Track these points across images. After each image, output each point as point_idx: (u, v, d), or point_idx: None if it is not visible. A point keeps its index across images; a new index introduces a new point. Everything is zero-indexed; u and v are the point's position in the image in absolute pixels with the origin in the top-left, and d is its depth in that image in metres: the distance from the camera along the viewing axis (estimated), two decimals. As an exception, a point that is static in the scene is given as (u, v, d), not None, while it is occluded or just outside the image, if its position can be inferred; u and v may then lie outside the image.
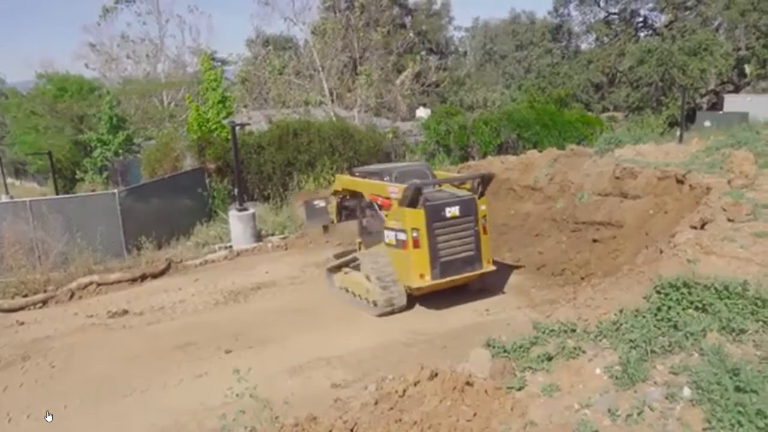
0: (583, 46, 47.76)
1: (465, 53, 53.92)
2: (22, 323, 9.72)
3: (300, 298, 10.04)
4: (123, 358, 7.89)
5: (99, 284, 11.25)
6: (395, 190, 8.82)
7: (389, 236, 8.88)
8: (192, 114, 19.00)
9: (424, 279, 8.42)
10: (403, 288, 8.67)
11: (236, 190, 15.30)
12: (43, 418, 6.27)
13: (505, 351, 4.72)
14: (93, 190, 21.19)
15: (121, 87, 31.70)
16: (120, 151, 25.58)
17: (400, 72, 31.82)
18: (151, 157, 18.92)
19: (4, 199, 18.48)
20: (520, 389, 4.21)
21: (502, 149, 20.52)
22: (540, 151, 14.36)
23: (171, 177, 16.57)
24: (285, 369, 6.92)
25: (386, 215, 9.09)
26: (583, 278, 9.13)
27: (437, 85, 33.28)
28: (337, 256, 11.43)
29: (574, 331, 4.77)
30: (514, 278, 9.94)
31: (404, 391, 4.25)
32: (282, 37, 38.36)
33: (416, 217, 8.38)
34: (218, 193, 16.92)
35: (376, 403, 4.13)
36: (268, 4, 27.54)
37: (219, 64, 29.63)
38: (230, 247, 13.77)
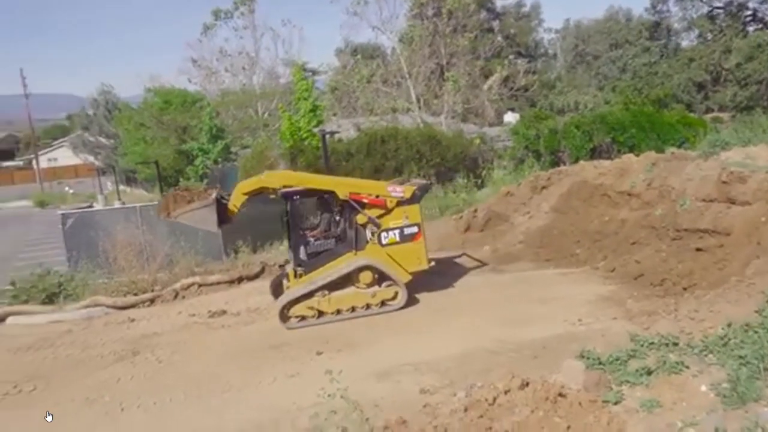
0: (684, 44, 45.17)
1: (555, 55, 52.50)
2: (133, 320, 10.49)
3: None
4: (222, 355, 8.32)
5: (200, 285, 11.93)
6: (399, 190, 9.50)
7: (389, 236, 9.48)
8: (285, 123, 19.79)
9: (422, 263, 9.61)
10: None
11: (326, 197, 15.68)
12: (43, 419, 6.56)
13: (600, 363, 4.56)
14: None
15: (220, 99, 33.50)
16: (219, 159, 27.03)
17: (487, 77, 31.42)
18: (247, 165, 19.88)
19: (117, 205, 20.02)
20: (616, 403, 4.05)
21: (594, 154, 19.73)
22: (637, 155, 13.68)
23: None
24: (373, 372, 7.02)
25: (379, 217, 9.43)
26: (685, 289, 8.60)
27: (526, 89, 32.53)
28: (275, 287, 10.25)
29: (676, 344, 4.53)
30: (607, 288, 9.54)
31: (494, 399, 4.21)
32: (370, 46, 39.07)
33: (419, 211, 9.70)
34: (309, 199, 17.44)
35: (465, 410, 4.12)
36: (357, 14, 28.12)
37: (310, 74, 30.64)
38: (320, 251, 14.14)
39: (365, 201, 9.44)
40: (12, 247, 22.19)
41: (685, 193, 10.69)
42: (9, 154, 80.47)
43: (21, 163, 72.84)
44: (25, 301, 11.44)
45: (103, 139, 47.87)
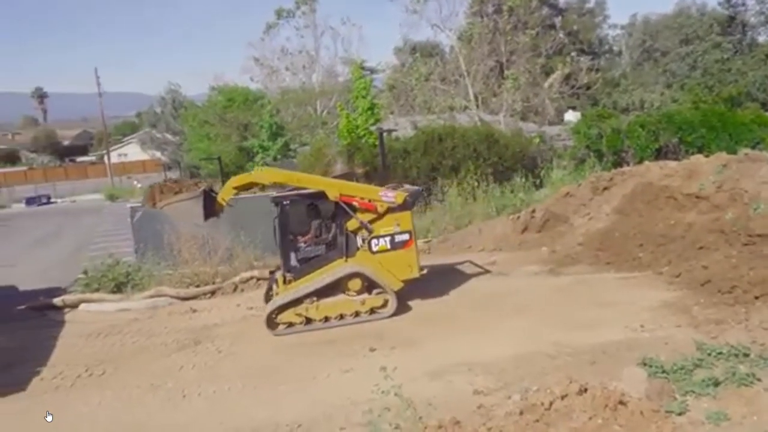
0: (761, 39, 42.75)
1: (620, 52, 50.78)
2: (195, 311, 10.87)
3: (442, 301, 10.08)
4: (278, 348, 8.51)
5: (258, 279, 12.22)
6: (391, 195, 9.23)
7: (379, 243, 9.29)
8: (343, 121, 20.01)
9: (414, 272, 9.39)
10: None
11: (382, 194, 15.75)
12: (44, 418, 6.59)
13: (663, 371, 4.41)
14: (254, 193, 23.05)
15: (280, 97, 34.21)
16: (278, 156, 27.62)
17: (548, 74, 30.80)
18: (305, 162, 20.23)
19: (182, 199, 20.74)
20: (680, 414, 3.91)
21: (660, 154, 19.01)
22: (706, 156, 13.09)
23: (323, 181, 17.54)
24: (427, 371, 7.01)
25: (371, 222, 9.26)
26: (757, 297, 8.15)
27: (588, 88, 31.67)
28: (267, 294, 10.10)
29: (747, 355, 4.33)
30: (671, 293, 9.17)
31: (551, 404, 4.13)
32: (428, 44, 38.95)
33: (411, 219, 9.49)
34: (365, 196, 17.58)
35: (521, 413, 4.06)
36: (416, 13, 28.12)
37: (368, 73, 30.84)
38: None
39: (355, 204, 9.27)
40: (85, 237, 23.42)
41: (759, 196, 10.14)
42: (83, 150, 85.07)
43: (94, 158, 76.75)
44: (96, 290, 12.03)
45: (169, 136, 49.71)
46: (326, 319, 9.15)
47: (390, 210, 9.29)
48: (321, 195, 9.33)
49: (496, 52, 27.70)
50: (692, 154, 15.51)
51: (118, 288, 12.07)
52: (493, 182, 17.20)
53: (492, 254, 12.67)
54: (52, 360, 8.88)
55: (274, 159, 27.56)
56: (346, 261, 9.28)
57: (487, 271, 11.50)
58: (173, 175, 45.03)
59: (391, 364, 6.82)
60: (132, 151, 67.42)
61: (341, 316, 9.19)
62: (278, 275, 9.73)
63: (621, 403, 3.96)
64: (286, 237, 9.46)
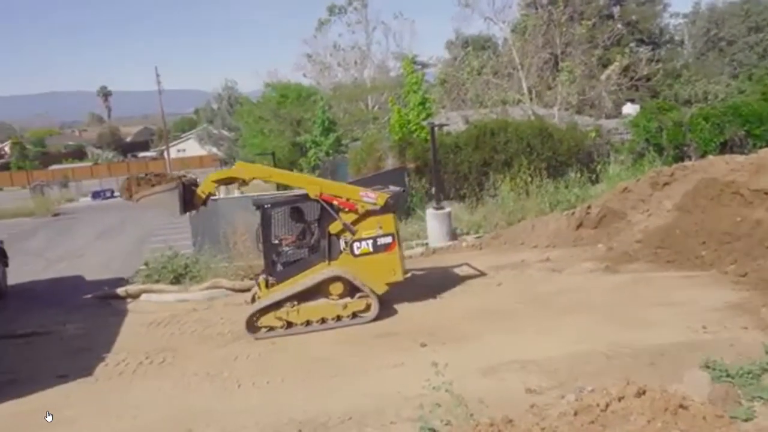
0: (839, 25, 40.15)
1: (682, 42, 48.70)
2: (249, 303, 11.11)
3: (493, 298, 10.00)
4: (330, 341, 8.63)
5: (311, 273, 12.39)
6: (372, 196, 9.14)
7: (362, 246, 9.23)
8: (394, 116, 20.01)
9: (397, 275, 9.42)
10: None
11: (434, 189, 15.71)
12: (44, 418, 6.59)
13: (728, 375, 4.22)
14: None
15: (332, 93, 34.52)
16: (330, 151, 27.89)
17: (605, 66, 29.83)
18: (356, 158, 20.34)
19: (237, 194, 21.27)
20: (747, 420, 3.73)
21: (725, 148, 18.16)
22: (776, 150, 12.43)
23: (374, 176, 17.59)
24: (478, 368, 6.96)
25: (355, 225, 9.21)
26: (831, 300, 7.72)
27: (648, 79, 30.51)
28: (253, 299, 10.00)
29: (820, 361, 4.09)
30: (737, 294, 8.76)
31: (607, 405, 4.01)
32: (481, 37, 38.44)
33: (394, 221, 9.47)
34: (416, 191, 17.58)
35: (575, 414, 3.97)
36: (468, 6, 27.77)
37: (420, 67, 30.75)
38: (426, 244, 14.21)
39: (336, 203, 9.26)
40: (147, 230, 24.33)
41: (835, 192, 9.57)
42: (144, 146, 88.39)
43: (154, 153, 79.60)
44: (157, 281, 12.48)
45: (225, 132, 50.97)
46: (308, 323, 9.12)
47: (372, 212, 9.25)
48: (305, 198, 9.44)
49: (550, 44, 27.06)
50: (760, 147, 14.74)
51: (177, 279, 12.48)
52: (547, 177, 16.83)
53: (545, 251, 12.43)
54: (116, 347, 9.30)
55: (326, 154, 27.85)
56: (328, 264, 9.28)
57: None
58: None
59: (443, 360, 6.77)
60: (190, 147, 69.53)
61: (323, 320, 9.16)
62: (261, 279, 9.69)
63: (682, 407, 3.81)
64: (268, 240, 9.53)
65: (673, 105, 25.25)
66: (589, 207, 13.35)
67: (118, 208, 31.16)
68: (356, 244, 9.26)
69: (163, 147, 67.46)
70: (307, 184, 9.66)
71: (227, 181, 9.94)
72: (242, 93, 49.64)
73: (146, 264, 13.25)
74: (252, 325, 9.09)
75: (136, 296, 12.09)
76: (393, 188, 10.34)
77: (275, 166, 27.68)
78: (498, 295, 10.13)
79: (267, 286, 9.36)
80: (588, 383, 5.71)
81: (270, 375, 7.54)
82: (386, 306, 10.12)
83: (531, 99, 25.71)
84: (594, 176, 18.48)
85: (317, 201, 9.30)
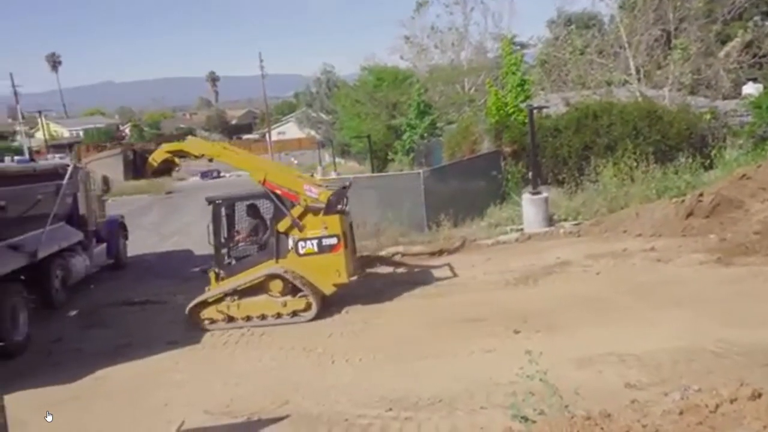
0: None
1: (820, 13, 43.81)
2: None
3: (591, 287, 9.62)
4: (422, 323, 8.69)
5: (403, 254, 12.54)
6: (315, 191, 9.00)
7: (306, 246, 9.13)
8: (491, 98, 19.58)
9: (342, 277, 9.31)
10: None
11: (530, 174, 15.28)
12: (44, 418, 6.39)
13: None
14: (401, 170, 23.55)
15: (429, 75, 34.28)
16: (425, 134, 27.79)
17: (724, 43, 27.46)
18: (451, 141, 20.18)
19: (333, 175, 21.81)
20: None
21: None
22: None
23: (469, 159, 17.42)
24: (573, 359, 6.74)
25: (303, 223, 9.14)
26: None
27: (773, 56, 27.74)
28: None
29: None
30: None
31: (717, 406, 3.76)
32: (585, 15, 36.54)
33: (341, 222, 9.34)
34: (512, 176, 17.18)
35: (680, 413, 3.75)
36: (573, -18, 26.49)
37: (519, 48, 29.78)
38: (521, 229, 13.90)
39: (278, 192, 9.23)
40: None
41: None
42: (248, 128, 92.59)
43: (257, 136, 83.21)
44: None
45: (323, 115, 52.18)
46: (248, 318, 9.24)
47: (317, 211, 9.21)
48: (259, 196, 9.65)
49: (662, 20, 25.18)
50: None
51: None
52: (654, 162, 15.83)
53: (650, 240, 11.77)
54: (221, 318, 9.85)
55: (421, 137, 27.78)
56: (276, 262, 9.35)
57: (645, 258, 10.71)
58: (326, 152, 47.41)
59: (537, 348, 6.61)
60: (290, 130, 71.99)
61: (263, 316, 9.23)
62: (211, 272, 9.79)
63: (803, 413, 3.50)
64: (219, 235, 9.71)
65: (804, 84, 22.87)
66: (701, 194, 12.44)
67: (224, 186, 32.87)
68: (301, 244, 9.33)
69: (265, 130, 70.26)
70: (253, 167, 9.82)
71: (179, 154, 10.16)
72: (340, 77, 50.47)
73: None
74: (194, 317, 9.40)
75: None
76: (337, 185, 10.51)
77: (370, 148, 28.02)
78: (597, 284, 9.74)
79: (217, 279, 9.63)
80: (694, 382, 5.39)
81: (363, 353, 7.73)
82: (478, 290, 10.06)
83: (639, 79, 24.19)
84: (707, 162, 17.13)
85: (268, 197, 9.49)
